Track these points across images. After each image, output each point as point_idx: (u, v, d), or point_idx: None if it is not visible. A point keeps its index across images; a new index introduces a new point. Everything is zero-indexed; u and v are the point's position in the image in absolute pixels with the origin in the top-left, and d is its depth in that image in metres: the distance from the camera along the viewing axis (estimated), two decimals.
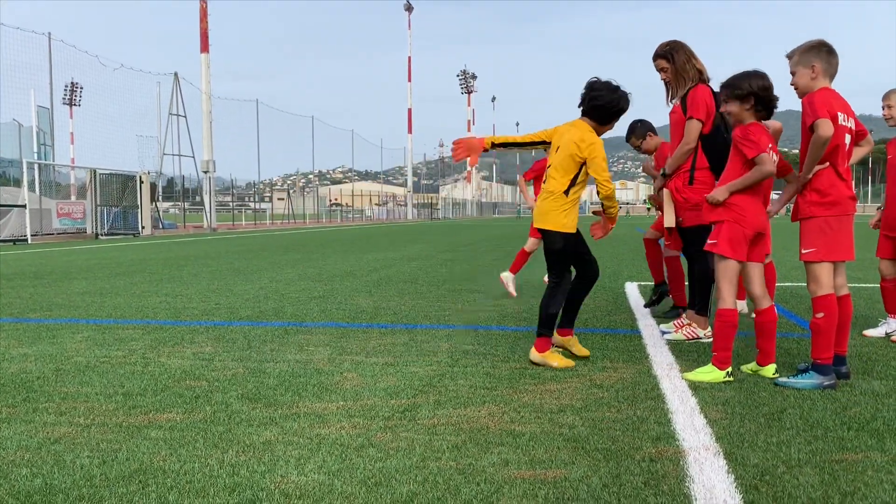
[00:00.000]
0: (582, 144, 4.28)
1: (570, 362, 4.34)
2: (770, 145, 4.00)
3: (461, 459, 2.81)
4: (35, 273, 11.10)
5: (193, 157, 41.63)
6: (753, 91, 3.98)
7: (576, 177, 4.33)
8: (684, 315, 5.36)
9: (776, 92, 4.06)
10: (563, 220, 4.34)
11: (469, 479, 2.61)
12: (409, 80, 73.32)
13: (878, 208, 5.58)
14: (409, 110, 73.62)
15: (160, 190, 39.81)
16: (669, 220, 5.26)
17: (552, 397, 3.68)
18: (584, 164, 4.30)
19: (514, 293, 7.63)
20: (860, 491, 2.50)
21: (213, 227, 37.61)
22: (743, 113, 4.04)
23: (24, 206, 23.33)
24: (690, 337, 5.16)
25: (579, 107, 4.41)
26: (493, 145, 4.61)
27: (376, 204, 78.62)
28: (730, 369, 3.99)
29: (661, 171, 5.31)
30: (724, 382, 3.95)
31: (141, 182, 29.49)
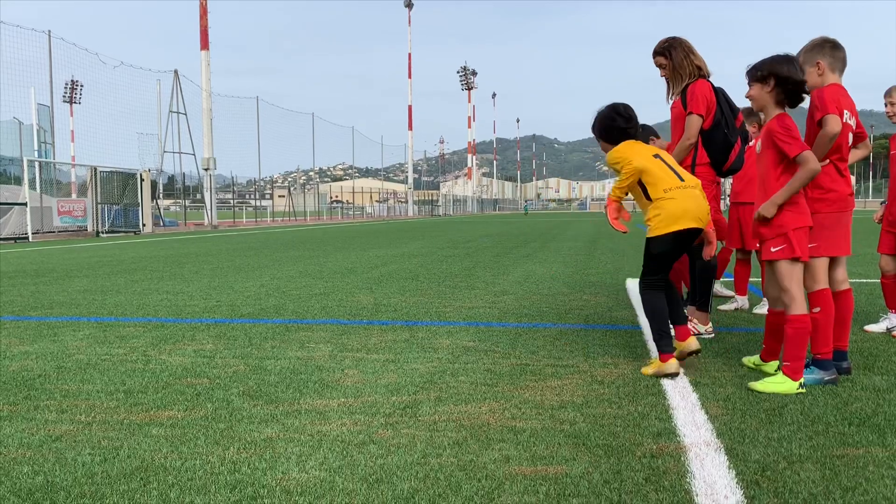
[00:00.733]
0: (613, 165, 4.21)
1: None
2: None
3: (462, 456, 2.81)
4: (36, 271, 11.11)
5: (194, 154, 41.67)
6: (774, 73, 3.70)
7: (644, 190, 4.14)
8: (685, 311, 5.35)
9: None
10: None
11: (470, 476, 2.61)
12: (410, 77, 73.26)
13: (882, 203, 5.58)
14: (410, 107, 73.57)
15: (161, 187, 39.84)
16: None
17: (553, 393, 3.68)
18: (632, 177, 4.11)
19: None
20: (861, 486, 2.50)
21: (214, 225, 37.61)
22: (764, 97, 3.76)
23: (25, 205, 23.34)
24: (692, 332, 5.15)
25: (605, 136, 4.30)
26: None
27: (377, 201, 78.61)
28: (802, 380, 3.70)
29: None
30: (713, 375, 3.96)
31: (142, 180, 29.49)
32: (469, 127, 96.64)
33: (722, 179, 5.50)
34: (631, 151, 4.10)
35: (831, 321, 3.90)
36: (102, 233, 26.59)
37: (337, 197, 75.23)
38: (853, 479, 2.55)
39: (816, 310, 3.89)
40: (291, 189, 61.63)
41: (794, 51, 4.06)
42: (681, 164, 5.11)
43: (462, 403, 3.53)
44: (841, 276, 4.14)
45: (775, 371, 3.99)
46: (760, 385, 3.70)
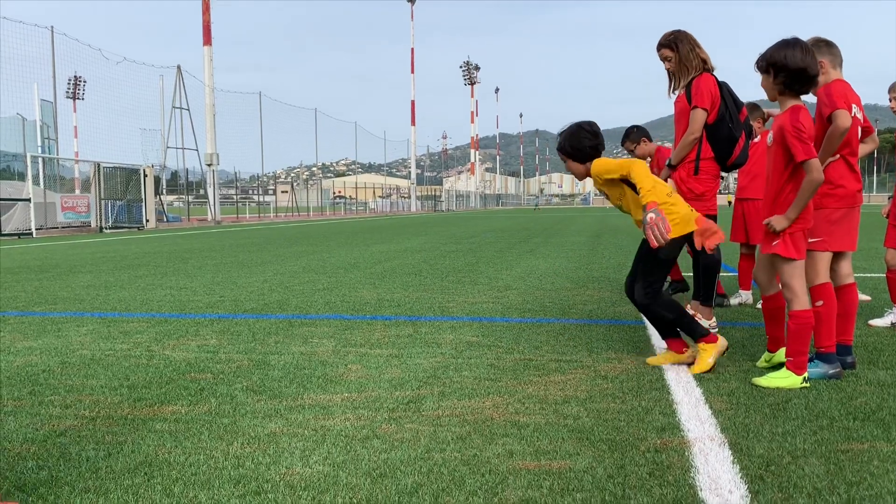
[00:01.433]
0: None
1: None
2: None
3: (466, 450, 2.81)
4: (40, 267, 11.13)
5: (197, 150, 41.70)
6: (773, 61, 3.56)
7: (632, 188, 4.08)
8: (689, 305, 5.35)
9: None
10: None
11: (474, 470, 2.61)
12: (412, 72, 73.17)
13: (889, 197, 5.56)
14: (413, 102, 73.50)
15: (164, 183, 39.89)
16: None
17: (557, 388, 3.68)
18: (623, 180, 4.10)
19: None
20: (866, 481, 2.49)
21: (217, 220, 37.65)
22: (770, 88, 3.65)
23: (29, 200, 23.38)
24: None
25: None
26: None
27: (380, 196, 78.59)
28: (806, 375, 3.69)
29: (667, 162, 5.30)
30: (715, 371, 3.96)
31: (145, 175, 29.52)
32: (472, 122, 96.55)
33: (726, 174, 5.49)
34: (609, 160, 4.12)
35: (834, 315, 3.89)
36: (106, 228, 26.63)
37: (340, 192, 75.27)
38: (858, 474, 2.55)
39: (819, 303, 3.89)
40: (294, 184, 61.68)
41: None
42: (685, 158, 5.10)
43: (465, 398, 3.53)
44: (845, 271, 4.13)
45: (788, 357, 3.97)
46: (764, 381, 3.69)
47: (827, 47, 4.00)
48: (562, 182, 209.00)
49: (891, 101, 5.30)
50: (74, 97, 65.06)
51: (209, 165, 38.87)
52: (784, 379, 3.66)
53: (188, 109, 41.73)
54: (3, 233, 22.10)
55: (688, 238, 4.02)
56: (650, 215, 3.76)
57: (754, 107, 6.29)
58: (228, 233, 23.71)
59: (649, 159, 7.12)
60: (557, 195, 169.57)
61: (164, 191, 40.23)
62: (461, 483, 2.50)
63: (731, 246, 8.26)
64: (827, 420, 3.14)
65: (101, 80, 42.87)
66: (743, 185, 6.48)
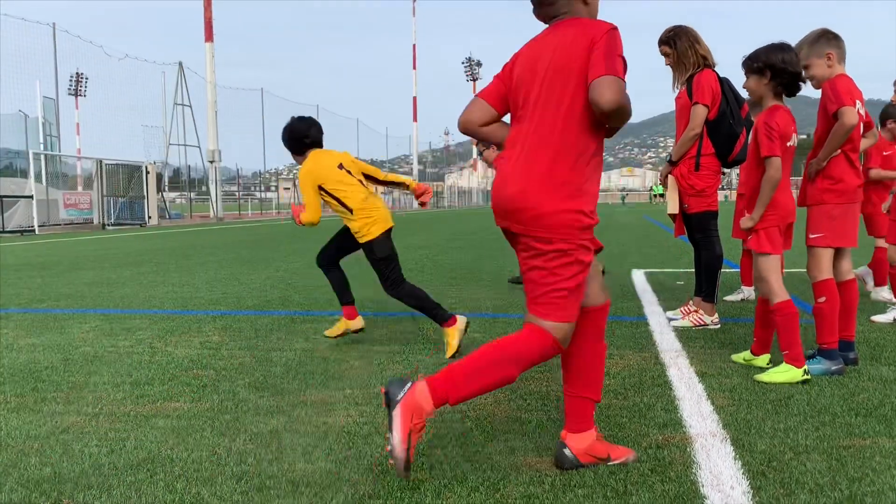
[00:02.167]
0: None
1: None
2: (794, 134, 3.79)
3: (467, 447, 2.81)
4: (42, 263, 11.15)
5: (199, 146, 41.72)
6: (771, 63, 3.64)
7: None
8: (691, 302, 5.35)
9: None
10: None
11: (475, 467, 2.61)
12: (414, 68, 73.12)
13: (892, 193, 5.55)
14: (415, 98, 73.45)
15: (166, 180, 39.92)
16: (673, 207, 5.24)
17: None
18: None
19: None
20: (868, 477, 2.49)
21: (220, 217, 37.67)
22: (761, 89, 3.74)
23: (31, 197, 23.41)
24: (697, 324, 5.15)
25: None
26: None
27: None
28: (806, 367, 3.69)
29: (668, 158, 5.29)
30: (717, 367, 3.95)
31: (147, 172, 29.54)
32: None
33: (727, 171, 5.48)
34: (315, 165, 4.50)
35: (836, 311, 3.89)
36: (108, 225, 26.66)
37: None
38: (860, 470, 2.55)
39: (821, 299, 3.88)
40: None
41: (792, 41, 4.03)
42: (685, 154, 5.10)
43: None
44: (846, 267, 4.12)
45: (767, 364, 3.97)
46: (766, 376, 3.69)
47: (835, 40, 3.96)
48: None
49: (895, 94, 5.28)
50: (76, 94, 65.07)
51: (211, 162, 38.87)
52: (784, 373, 3.67)
53: (190, 106, 41.76)
54: (5, 230, 22.14)
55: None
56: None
57: (756, 102, 6.27)
58: (230, 229, 23.73)
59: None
60: None
61: (167, 187, 40.28)
62: (463, 479, 2.50)
63: (733, 242, 8.26)
64: (829, 416, 3.14)
65: (103, 76, 42.90)
66: (744, 181, 6.46)
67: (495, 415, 3.21)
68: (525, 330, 2.48)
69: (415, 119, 75.82)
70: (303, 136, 4.54)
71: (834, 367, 3.80)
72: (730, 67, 4.52)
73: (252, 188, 62.78)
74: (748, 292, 6.52)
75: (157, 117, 41.67)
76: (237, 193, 53.23)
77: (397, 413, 2.37)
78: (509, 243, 2.57)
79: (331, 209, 4.61)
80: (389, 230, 4.51)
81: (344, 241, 4.72)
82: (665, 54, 5.11)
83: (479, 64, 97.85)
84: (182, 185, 48.59)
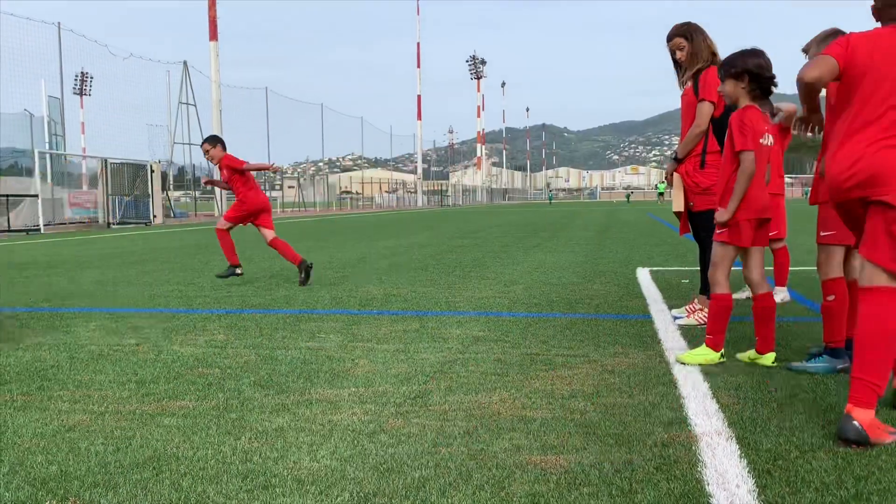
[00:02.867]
0: None
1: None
2: (767, 133, 3.96)
3: (473, 445, 2.81)
4: (48, 262, 11.18)
5: None
6: (748, 68, 3.89)
7: None
8: (696, 300, 5.34)
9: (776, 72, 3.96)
10: None
11: (481, 465, 2.61)
12: (419, 67, 73.10)
13: None
14: (419, 97, 73.45)
15: (171, 179, 39.94)
16: (678, 205, 5.23)
17: (563, 383, 3.68)
18: None
19: None
20: (874, 475, 2.48)
21: None
22: (738, 91, 3.95)
23: (37, 196, 23.48)
24: (702, 322, 5.14)
25: None
26: None
27: (386, 191, 78.62)
28: (723, 351, 4.06)
29: (673, 156, 5.28)
30: (718, 364, 3.99)
31: (152, 171, 29.60)
32: (478, 116, 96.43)
33: None
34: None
35: (845, 310, 3.87)
36: (113, 224, 26.72)
37: (346, 188, 75.28)
38: (866, 469, 2.54)
39: (830, 298, 3.86)
40: (301, 180, 61.70)
41: (802, 42, 4.13)
42: (691, 152, 5.09)
43: (472, 393, 3.53)
44: (856, 264, 4.10)
45: (773, 363, 3.99)
46: (687, 357, 4.04)
47: None
48: (568, 176, 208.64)
49: None
50: (81, 93, 65.23)
51: None
52: (703, 355, 4.02)
53: (195, 105, 41.78)
54: (11, 229, 22.20)
55: None
56: None
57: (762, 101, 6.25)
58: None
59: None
60: (564, 189, 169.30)
61: (171, 186, 40.29)
62: (468, 477, 2.50)
63: None
64: (835, 414, 3.13)
65: (108, 75, 42.94)
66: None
67: (500, 413, 3.21)
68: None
69: (419, 117, 75.82)
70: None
71: (840, 366, 3.79)
72: None
73: None
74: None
75: (162, 116, 41.63)
76: None
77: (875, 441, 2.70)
78: (848, 216, 3.09)
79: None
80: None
81: None
82: (679, 48, 5.09)
83: (483, 62, 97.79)
84: (187, 183, 48.63)
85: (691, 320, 5.20)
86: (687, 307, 5.42)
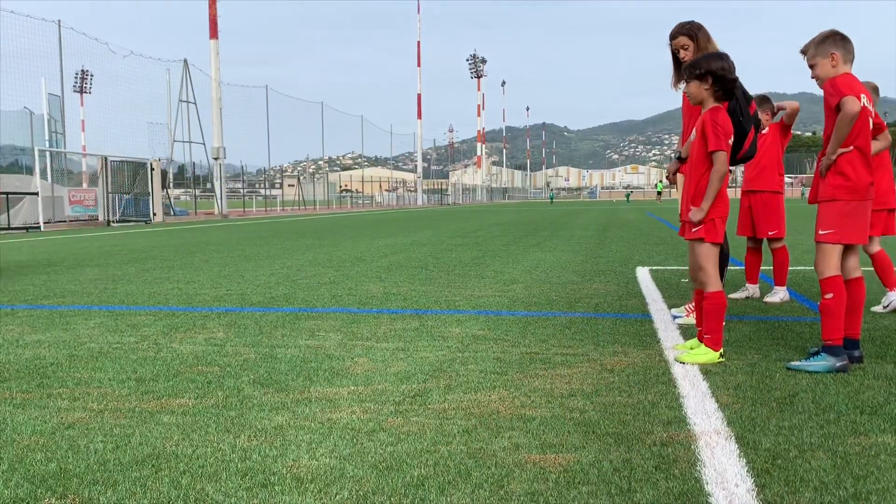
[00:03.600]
0: None
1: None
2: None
3: (472, 443, 2.81)
4: (48, 260, 11.18)
5: (204, 143, 41.74)
6: (711, 70, 4.04)
7: None
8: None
9: (744, 76, 4.22)
10: None
11: (480, 463, 2.61)
12: (419, 65, 73.08)
13: None
14: (419, 95, 73.43)
15: (171, 177, 39.94)
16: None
17: (563, 382, 3.68)
18: None
19: None
20: (873, 475, 2.48)
21: (224, 214, 37.72)
22: (702, 93, 4.10)
23: (37, 194, 23.47)
24: None
25: None
26: None
27: (386, 190, 78.62)
28: (722, 350, 4.08)
29: (677, 155, 5.27)
30: (718, 363, 3.99)
31: (152, 169, 29.60)
32: (479, 115, 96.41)
33: (734, 167, 5.46)
34: None
35: (843, 308, 3.88)
36: (113, 222, 26.72)
37: (346, 186, 75.29)
38: (864, 468, 2.54)
39: (829, 296, 3.87)
40: (301, 178, 61.70)
41: (801, 43, 4.16)
42: None
43: (472, 392, 3.53)
44: (853, 265, 4.11)
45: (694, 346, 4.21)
46: (687, 357, 4.04)
47: (842, 41, 4.01)
48: (568, 175, 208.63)
49: None
50: (81, 91, 65.20)
51: (216, 159, 38.92)
52: (704, 355, 4.03)
53: (195, 103, 41.74)
54: (11, 226, 22.21)
55: None
56: None
57: (764, 99, 6.26)
58: (235, 226, 23.76)
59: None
60: (564, 188, 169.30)
61: (171, 184, 40.28)
62: (467, 476, 2.50)
63: (738, 239, 8.24)
64: (834, 414, 3.14)
65: (108, 73, 42.97)
66: (750, 178, 6.45)
67: (499, 412, 3.21)
68: None
69: (419, 116, 75.79)
70: None
71: (838, 365, 3.80)
72: (737, 65, 4.52)
73: (256, 185, 62.80)
74: (753, 290, 6.51)
75: (162, 114, 41.60)
76: (242, 190, 53.24)
77: None
78: None
79: None
80: None
81: None
82: (683, 46, 5.09)
83: (483, 61, 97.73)
84: (187, 182, 48.62)
85: (690, 319, 5.20)
86: (686, 306, 5.42)
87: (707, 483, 2.42)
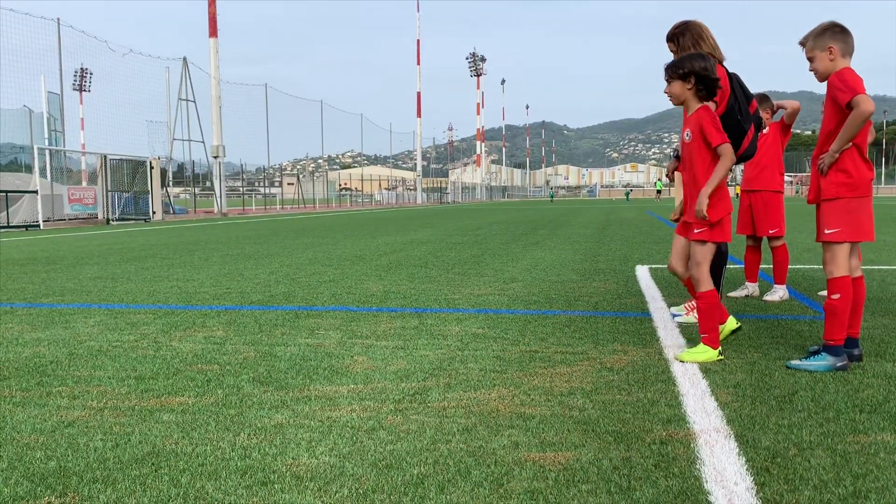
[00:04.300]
0: None
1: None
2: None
3: (471, 442, 2.82)
4: (47, 258, 11.18)
5: (203, 142, 41.70)
6: (694, 70, 4.07)
7: None
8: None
9: (734, 79, 4.25)
10: None
11: (479, 462, 2.61)
12: (418, 64, 73.05)
13: None
14: (419, 94, 73.40)
15: (170, 175, 39.94)
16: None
17: (562, 380, 3.68)
18: None
19: None
20: (872, 473, 2.49)
21: (224, 212, 37.71)
22: (685, 93, 4.14)
23: (36, 192, 23.46)
24: None
25: None
26: None
27: (386, 188, 78.58)
28: (721, 348, 4.11)
29: (675, 154, 5.27)
30: (717, 361, 4.00)
31: (151, 167, 29.58)
32: (478, 114, 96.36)
33: (734, 166, 5.46)
34: None
35: (848, 309, 3.86)
36: (113, 220, 26.71)
37: (346, 184, 75.25)
38: (864, 466, 2.54)
39: (836, 296, 3.85)
40: (300, 177, 61.69)
41: (800, 34, 4.13)
42: None
43: (471, 390, 3.53)
44: (854, 263, 4.10)
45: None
46: (686, 355, 4.06)
47: (841, 34, 3.94)
48: (568, 174, 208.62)
49: None
50: (81, 89, 65.17)
51: (215, 157, 38.91)
52: (703, 353, 4.04)
53: (194, 101, 41.69)
54: (10, 224, 22.19)
55: None
56: None
57: (764, 98, 6.26)
58: (235, 225, 23.75)
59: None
60: (564, 187, 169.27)
61: (171, 183, 40.27)
62: (467, 474, 2.50)
63: (737, 238, 8.24)
64: (833, 412, 3.14)
65: (108, 72, 42.83)
66: (750, 177, 6.45)
67: (499, 410, 3.21)
68: None
69: (419, 114, 75.77)
70: None
71: (839, 364, 3.79)
72: (737, 64, 4.47)
73: (256, 183, 62.82)
74: (752, 288, 6.51)
75: (162, 113, 41.55)
76: (241, 189, 53.23)
77: None
78: None
79: None
80: None
81: None
82: (672, 51, 5.10)
83: (483, 59, 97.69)
84: (186, 180, 48.61)
85: (690, 318, 5.20)
86: (686, 305, 5.42)
87: (706, 481, 2.42)
